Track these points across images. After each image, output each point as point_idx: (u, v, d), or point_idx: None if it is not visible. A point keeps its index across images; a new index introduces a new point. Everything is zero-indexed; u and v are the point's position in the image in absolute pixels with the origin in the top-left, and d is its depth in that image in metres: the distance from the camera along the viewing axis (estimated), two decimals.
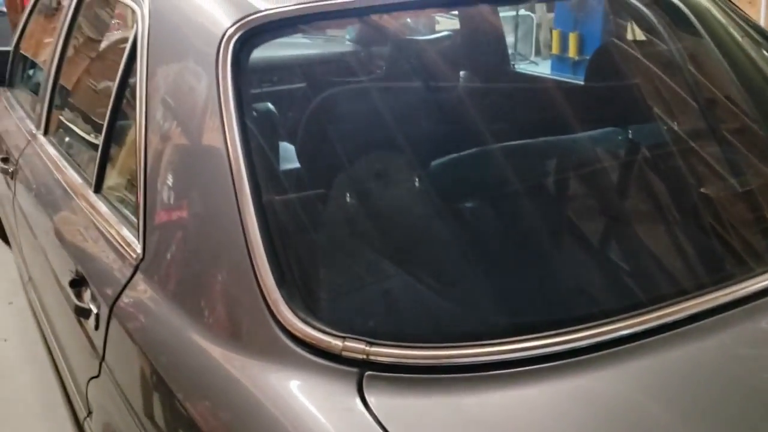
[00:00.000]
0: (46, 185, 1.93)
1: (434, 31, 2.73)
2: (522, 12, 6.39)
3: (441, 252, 1.23)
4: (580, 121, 1.57)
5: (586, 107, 1.72)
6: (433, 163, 1.41)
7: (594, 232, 1.34)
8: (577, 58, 4.67)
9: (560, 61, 5.07)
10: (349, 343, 0.97)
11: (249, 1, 1.33)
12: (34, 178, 2.07)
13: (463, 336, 1.01)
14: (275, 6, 1.31)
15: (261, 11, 1.29)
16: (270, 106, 1.59)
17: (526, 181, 1.37)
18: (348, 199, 1.35)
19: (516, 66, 4.12)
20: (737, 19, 1.85)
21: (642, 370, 1.00)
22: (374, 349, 0.96)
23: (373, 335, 0.98)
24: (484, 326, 1.08)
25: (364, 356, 0.96)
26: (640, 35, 1.99)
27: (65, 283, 1.54)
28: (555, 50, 5.31)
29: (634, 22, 1.96)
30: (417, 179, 1.41)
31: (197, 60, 1.30)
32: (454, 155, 1.41)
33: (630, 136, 1.61)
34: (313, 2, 1.34)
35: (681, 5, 1.87)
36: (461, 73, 2.25)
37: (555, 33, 5.40)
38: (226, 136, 1.16)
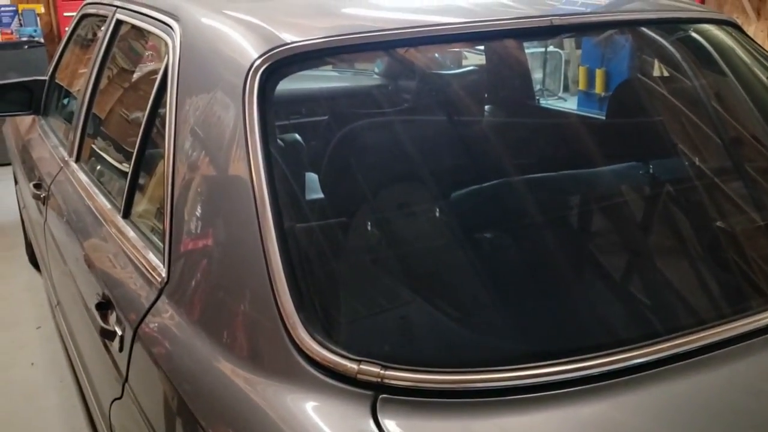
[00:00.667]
0: (76, 210, 1.98)
1: (461, 66, 2.77)
2: (551, 48, 6.43)
3: (457, 279, 1.25)
4: (600, 156, 1.59)
5: (606, 142, 1.74)
6: (453, 194, 1.43)
7: (609, 262, 1.35)
8: (603, 94, 4.69)
9: (587, 97, 5.09)
10: (365, 367, 0.99)
11: (276, 34, 1.37)
12: (64, 203, 2.12)
13: (477, 361, 1.03)
14: (301, 39, 1.35)
15: (288, 44, 1.33)
16: (295, 136, 1.63)
17: (543, 211, 1.39)
18: (367, 227, 1.37)
19: (544, 102, 4.16)
20: (752, 50, 1.86)
21: (656, 398, 1.01)
22: (389, 372, 0.98)
23: (388, 359, 1.00)
24: (498, 352, 1.10)
25: (379, 379, 0.98)
26: (664, 72, 2.01)
27: (92, 306, 1.58)
28: (582, 86, 5.34)
29: (659, 60, 1.98)
30: (437, 211, 1.43)
31: (225, 91, 1.34)
32: (474, 187, 1.43)
33: (650, 170, 1.63)
34: (338, 35, 1.38)
35: (706, 43, 1.90)
36: (486, 107, 2.29)
37: (582, 69, 5.44)
38: (251, 166, 1.20)
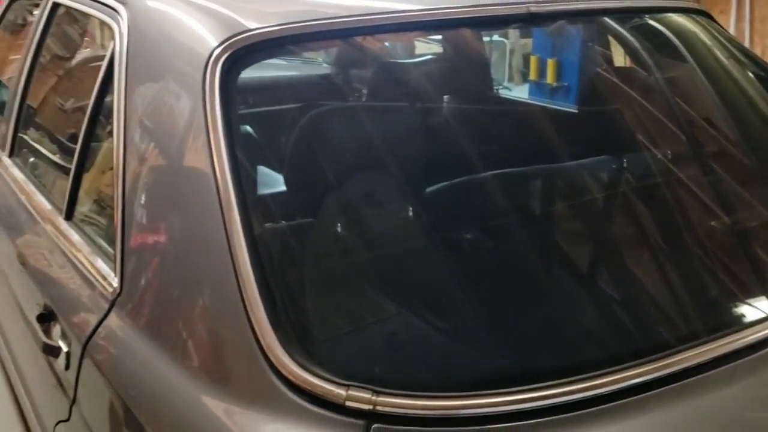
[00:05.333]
0: (11, 211, 1.83)
1: (414, 55, 2.70)
2: (495, 38, 6.42)
3: (449, 294, 1.15)
4: (571, 148, 1.53)
5: (573, 133, 1.68)
6: (430, 190, 1.34)
7: (606, 279, 1.27)
8: (555, 84, 4.67)
9: (538, 87, 5.07)
10: (354, 392, 0.88)
11: (237, 20, 1.25)
12: None
13: (474, 384, 0.93)
14: (265, 25, 1.24)
15: (250, 30, 1.22)
16: (258, 129, 1.51)
17: (536, 220, 1.32)
18: (348, 233, 1.27)
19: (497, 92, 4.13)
20: (723, 41, 1.83)
21: (656, 419, 0.94)
22: (381, 399, 0.88)
23: (380, 383, 0.90)
24: (495, 373, 1.00)
25: (371, 406, 0.88)
26: (622, 62, 1.98)
27: (32, 317, 1.44)
28: (533, 76, 5.31)
29: (614, 49, 1.95)
30: (414, 210, 1.34)
31: (180, 81, 1.23)
32: (452, 182, 1.35)
33: (643, 166, 1.57)
34: (304, 21, 1.28)
35: (664, 29, 1.86)
36: (445, 96, 2.21)
37: (533, 59, 5.40)
38: (213, 161, 1.08)
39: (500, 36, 6.81)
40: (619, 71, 1.96)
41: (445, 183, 1.33)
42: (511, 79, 7.00)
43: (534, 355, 1.05)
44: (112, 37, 1.47)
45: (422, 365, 1.02)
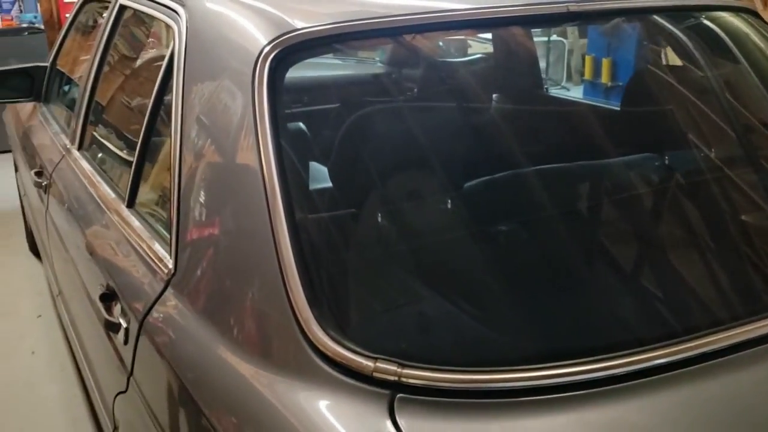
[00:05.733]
0: (79, 199, 1.95)
1: (467, 55, 2.73)
2: (554, 38, 6.37)
3: (476, 277, 1.21)
4: (623, 147, 1.56)
5: (620, 132, 1.70)
6: (468, 185, 1.40)
7: (631, 261, 1.31)
8: (609, 84, 4.64)
9: (593, 87, 5.04)
10: (381, 365, 0.95)
11: (286, 20, 1.33)
12: (66, 192, 2.08)
13: (497, 361, 0.99)
14: (312, 24, 1.31)
15: (297, 30, 1.30)
16: (303, 125, 1.59)
17: (562, 208, 1.36)
18: (382, 221, 1.33)
19: (548, 91, 4.12)
20: None
21: (678, 400, 0.98)
22: (407, 371, 0.94)
23: (406, 357, 0.96)
24: (519, 352, 1.06)
25: (396, 378, 0.94)
26: (676, 61, 1.97)
27: (95, 297, 1.55)
28: (588, 76, 5.28)
29: (669, 48, 1.95)
30: (452, 202, 1.39)
31: (233, 78, 1.31)
32: (490, 177, 1.40)
33: (666, 162, 1.59)
34: (349, 21, 1.35)
35: (718, 30, 1.86)
36: (494, 95, 2.25)
37: (588, 59, 5.38)
38: (261, 155, 1.16)
39: (559, 36, 6.78)
40: (672, 70, 1.96)
41: (480, 178, 1.38)
42: (569, 78, 6.94)
43: (555, 335, 1.10)
44: (172, 37, 1.56)
45: (446, 343, 1.08)
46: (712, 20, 1.91)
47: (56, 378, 2.78)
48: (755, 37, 1.85)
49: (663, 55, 1.97)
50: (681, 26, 1.88)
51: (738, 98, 1.75)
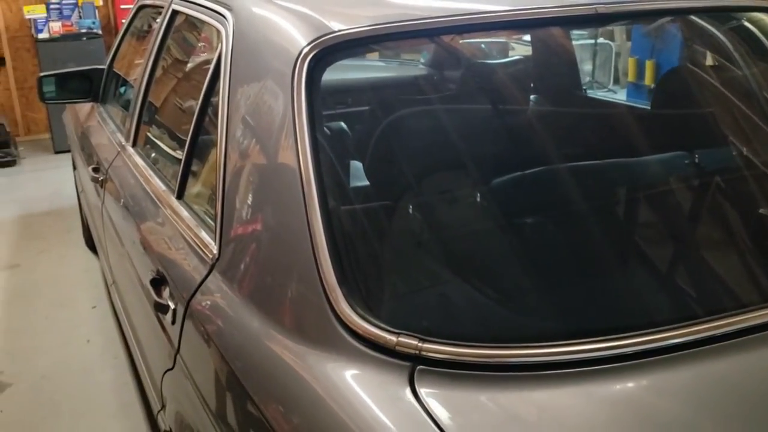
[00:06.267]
0: (133, 192, 2.07)
1: (507, 56, 2.78)
2: (601, 40, 6.36)
3: (494, 259, 1.28)
4: (641, 144, 1.60)
5: (650, 131, 1.74)
6: (494, 179, 1.47)
7: (646, 243, 1.37)
8: (653, 85, 4.64)
9: (636, 89, 5.04)
10: (403, 339, 1.03)
11: (324, 23, 1.41)
12: (121, 186, 2.21)
13: (512, 337, 1.07)
14: (348, 27, 1.39)
15: (335, 32, 1.38)
16: (341, 124, 1.68)
17: (580, 195, 1.41)
18: (409, 210, 1.41)
19: (593, 94, 4.13)
20: None
21: (690, 379, 1.03)
22: (426, 345, 1.02)
23: (426, 333, 1.04)
24: (534, 329, 1.13)
25: (417, 351, 1.02)
26: (714, 62, 1.99)
27: (146, 282, 1.66)
28: (631, 78, 5.28)
29: (709, 49, 1.97)
30: (475, 196, 1.47)
31: (275, 78, 1.39)
32: (513, 174, 1.47)
33: (694, 159, 1.63)
34: (383, 24, 1.42)
35: (758, 32, 1.88)
36: (531, 96, 2.30)
37: (631, 60, 5.37)
38: (298, 150, 1.25)
39: (606, 39, 6.73)
40: (713, 72, 1.97)
41: (502, 174, 1.45)
42: (616, 81, 6.89)
43: (568, 315, 1.17)
44: (220, 40, 1.66)
45: (465, 320, 1.16)
46: (747, 21, 1.93)
47: (110, 365, 2.92)
48: None
49: (704, 56, 2.00)
50: (721, 27, 1.91)
51: None
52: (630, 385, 1.01)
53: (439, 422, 0.93)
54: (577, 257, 1.31)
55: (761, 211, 1.41)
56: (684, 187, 1.53)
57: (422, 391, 0.98)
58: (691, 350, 1.05)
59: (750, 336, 1.08)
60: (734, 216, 1.42)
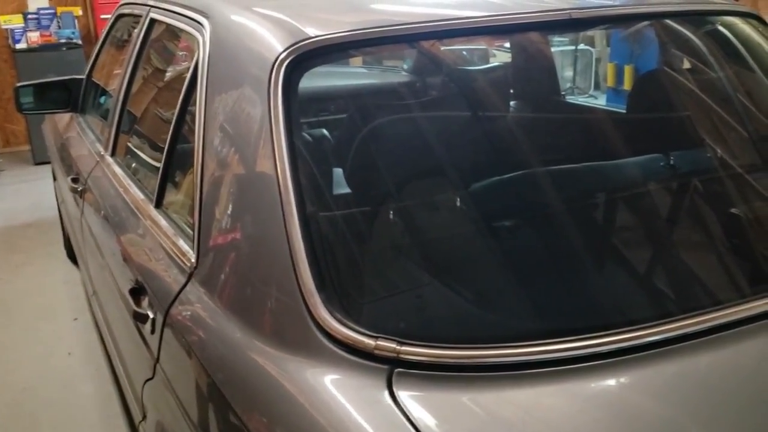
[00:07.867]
0: (112, 202, 2.06)
1: (487, 63, 2.80)
2: (581, 46, 6.41)
3: (471, 261, 1.29)
4: (619, 148, 1.62)
5: (626, 134, 1.76)
6: (471, 185, 1.48)
7: (621, 243, 1.38)
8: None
9: (615, 94, 5.08)
10: (382, 342, 1.03)
11: (301, 29, 1.42)
12: (100, 196, 2.20)
13: (489, 338, 1.07)
14: (325, 33, 1.39)
15: (311, 37, 1.38)
16: (322, 131, 1.68)
17: (555, 197, 1.42)
18: (383, 218, 1.42)
19: (575, 99, 4.17)
20: None
21: (665, 376, 1.04)
22: (404, 348, 1.03)
23: (404, 336, 1.04)
24: (510, 330, 1.14)
25: (395, 354, 1.02)
26: (689, 65, 2.02)
27: (126, 291, 1.65)
28: (610, 83, 5.33)
29: (684, 53, 1.99)
30: (450, 199, 1.47)
31: (251, 85, 1.39)
32: (490, 178, 1.48)
33: (670, 161, 1.65)
34: (359, 29, 1.43)
35: (732, 38, 1.91)
36: (511, 102, 2.31)
37: (610, 66, 5.42)
38: (275, 155, 1.25)
39: (586, 45, 6.77)
40: (686, 75, 1.99)
41: (479, 180, 1.46)
42: (597, 87, 6.94)
43: (545, 314, 1.17)
44: (197, 48, 1.66)
45: (442, 323, 1.16)
46: (720, 25, 1.95)
47: (91, 377, 2.90)
48: (762, 41, 1.90)
49: (680, 60, 2.02)
50: (696, 31, 1.93)
51: (747, 100, 1.80)
52: (607, 382, 1.02)
53: (416, 424, 0.93)
54: (554, 258, 1.32)
55: (733, 211, 1.43)
56: (658, 188, 1.55)
57: (400, 394, 0.98)
58: (666, 347, 1.06)
59: (724, 332, 1.10)
60: (708, 216, 1.44)
